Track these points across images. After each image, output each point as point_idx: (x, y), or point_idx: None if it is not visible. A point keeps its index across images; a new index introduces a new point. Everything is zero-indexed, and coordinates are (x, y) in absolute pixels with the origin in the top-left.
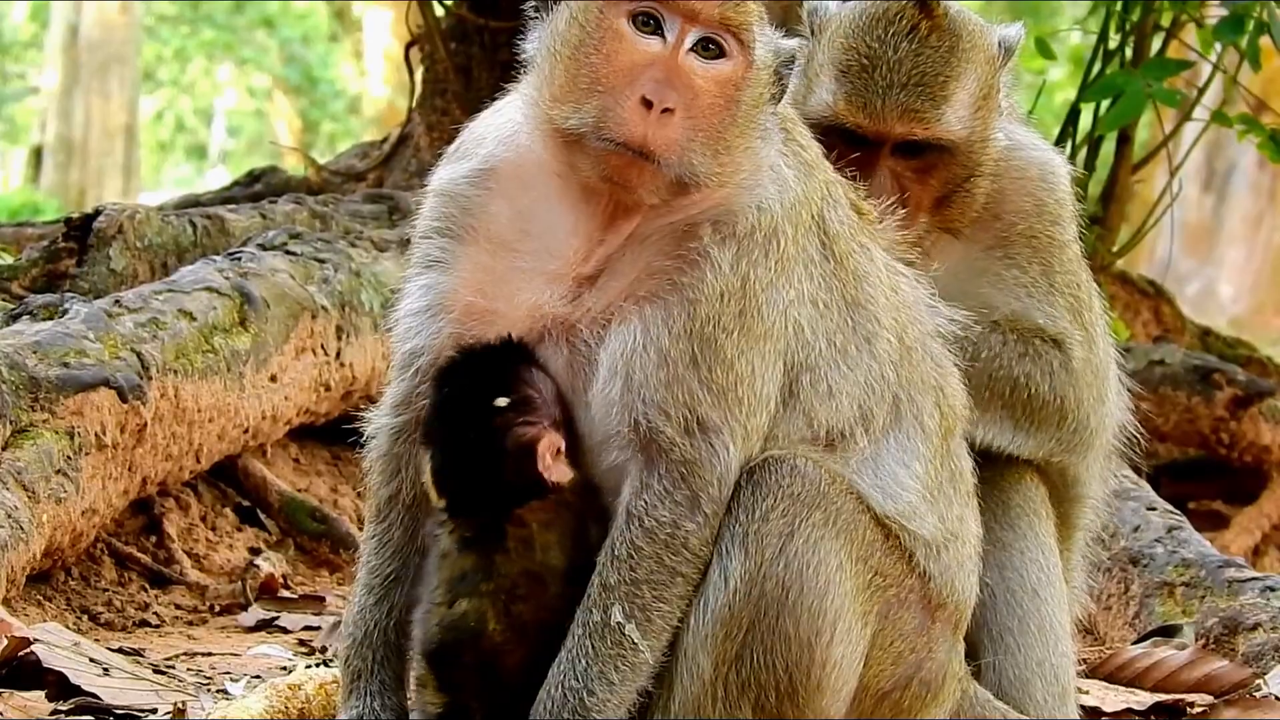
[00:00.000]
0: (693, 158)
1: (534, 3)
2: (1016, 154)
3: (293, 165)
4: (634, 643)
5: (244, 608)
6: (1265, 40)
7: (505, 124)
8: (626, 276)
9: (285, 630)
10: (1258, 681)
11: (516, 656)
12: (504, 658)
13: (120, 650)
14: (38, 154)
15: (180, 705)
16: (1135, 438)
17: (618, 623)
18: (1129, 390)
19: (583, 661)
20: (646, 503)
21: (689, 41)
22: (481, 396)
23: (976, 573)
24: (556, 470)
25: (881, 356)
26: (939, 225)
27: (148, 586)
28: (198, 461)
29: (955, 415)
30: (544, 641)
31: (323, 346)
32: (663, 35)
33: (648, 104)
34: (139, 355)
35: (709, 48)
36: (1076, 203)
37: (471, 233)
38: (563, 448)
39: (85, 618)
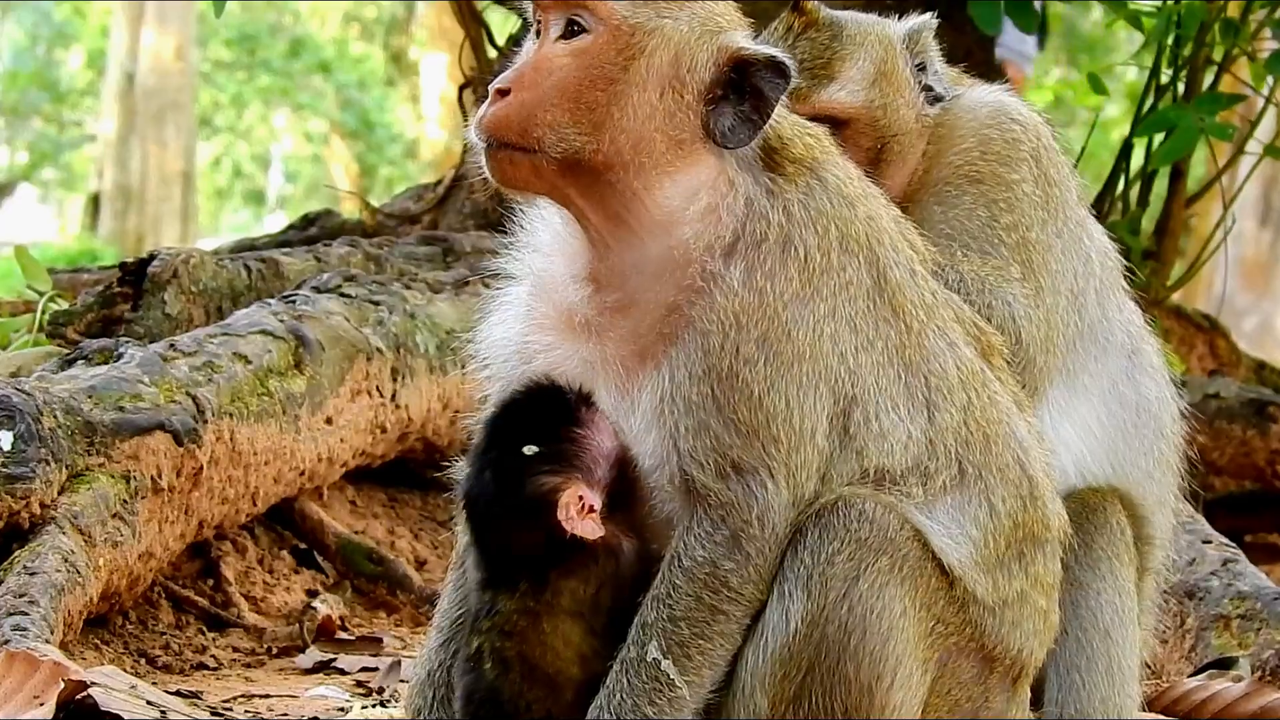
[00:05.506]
0: (554, 132)
1: None
2: (961, 102)
3: (348, 209)
4: (670, 679)
5: (301, 650)
6: None
7: None
8: (649, 315)
9: (343, 672)
10: None
11: (507, 692)
12: (504, 700)
13: (178, 693)
14: (95, 201)
15: None
16: (1191, 471)
17: (653, 659)
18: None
19: (618, 696)
20: (686, 544)
21: (554, 31)
22: (512, 444)
23: (1043, 639)
24: (580, 525)
25: (941, 426)
26: None
27: (205, 629)
28: (254, 504)
29: (1045, 525)
30: (541, 681)
31: (378, 388)
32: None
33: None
34: (194, 399)
35: (573, 30)
36: (1052, 152)
37: (526, 271)
38: (594, 504)
39: (143, 661)
